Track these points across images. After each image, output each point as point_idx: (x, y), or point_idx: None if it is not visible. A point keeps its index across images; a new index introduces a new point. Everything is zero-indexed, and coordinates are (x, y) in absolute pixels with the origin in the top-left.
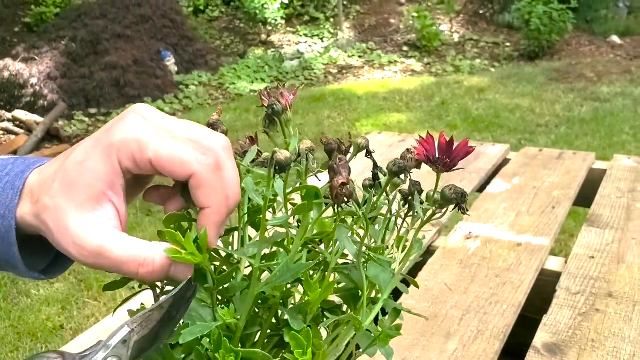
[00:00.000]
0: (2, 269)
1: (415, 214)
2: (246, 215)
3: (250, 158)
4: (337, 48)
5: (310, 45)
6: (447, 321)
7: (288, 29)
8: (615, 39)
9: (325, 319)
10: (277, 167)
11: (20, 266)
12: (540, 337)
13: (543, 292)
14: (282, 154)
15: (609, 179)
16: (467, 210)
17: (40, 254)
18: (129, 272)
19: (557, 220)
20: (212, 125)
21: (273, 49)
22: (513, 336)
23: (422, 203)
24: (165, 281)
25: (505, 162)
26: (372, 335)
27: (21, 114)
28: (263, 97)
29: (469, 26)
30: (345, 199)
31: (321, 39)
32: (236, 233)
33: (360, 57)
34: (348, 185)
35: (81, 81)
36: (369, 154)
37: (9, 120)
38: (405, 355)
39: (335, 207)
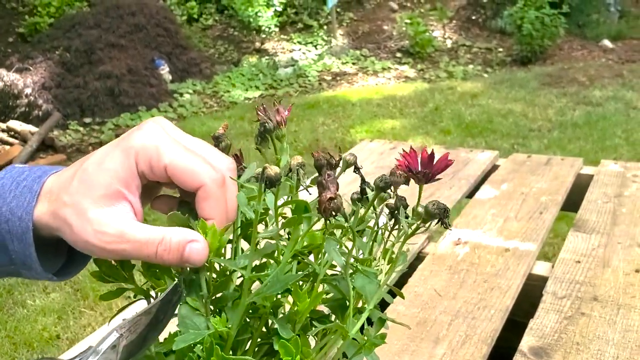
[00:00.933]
0: (16, 271)
1: (401, 227)
2: (239, 229)
3: (247, 175)
4: (331, 55)
5: (304, 53)
6: (436, 326)
7: (282, 36)
8: (607, 43)
9: (313, 328)
10: (267, 182)
11: (37, 267)
12: (527, 341)
13: (530, 296)
14: (272, 170)
15: (595, 184)
16: (450, 225)
17: (54, 256)
18: (149, 253)
19: (544, 225)
20: (217, 138)
21: (267, 57)
22: (502, 340)
23: (407, 217)
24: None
25: (494, 168)
26: (358, 343)
27: (16, 124)
28: (259, 113)
29: (461, 32)
30: (333, 213)
31: (315, 46)
32: (229, 245)
33: (353, 63)
34: (336, 200)
35: (75, 91)
36: (357, 169)
37: (3, 130)
38: None
39: (324, 221)
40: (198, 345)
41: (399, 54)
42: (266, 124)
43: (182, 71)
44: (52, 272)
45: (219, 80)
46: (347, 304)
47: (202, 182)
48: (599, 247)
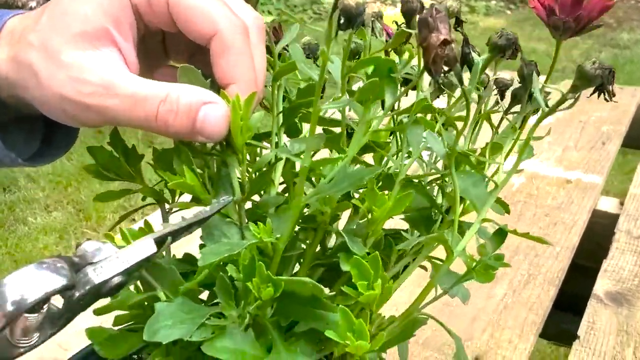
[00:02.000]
0: None
1: (525, 108)
2: (280, 115)
3: (289, 39)
4: None
5: None
6: None
7: None
8: None
9: (389, 247)
10: (343, 19)
11: None
12: (602, 285)
13: (595, 235)
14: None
15: None
16: (614, 95)
17: (28, 136)
18: (147, 114)
19: (608, 157)
20: None
21: None
22: (564, 283)
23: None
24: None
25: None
26: (456, 273)
27: None
28: None
29: None
30: (446, 67)
31: None
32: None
33: None
34: (452, 45)
35: None
36: (459, 23)
37: None
38: (447, 300)
39: (432, 80)
40: (231, 265)
41: None
42: None
43: None
44: (21, 158)
45: None
46: (434, 215)
47: (217, 27)
48: None
